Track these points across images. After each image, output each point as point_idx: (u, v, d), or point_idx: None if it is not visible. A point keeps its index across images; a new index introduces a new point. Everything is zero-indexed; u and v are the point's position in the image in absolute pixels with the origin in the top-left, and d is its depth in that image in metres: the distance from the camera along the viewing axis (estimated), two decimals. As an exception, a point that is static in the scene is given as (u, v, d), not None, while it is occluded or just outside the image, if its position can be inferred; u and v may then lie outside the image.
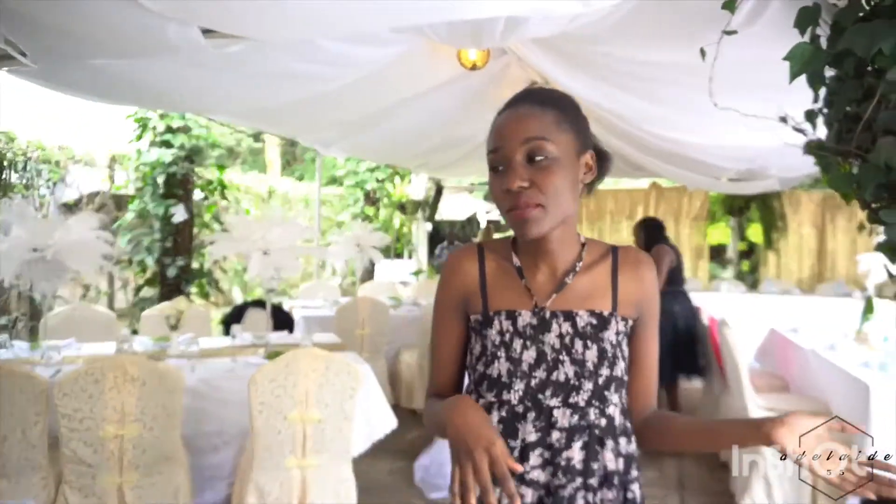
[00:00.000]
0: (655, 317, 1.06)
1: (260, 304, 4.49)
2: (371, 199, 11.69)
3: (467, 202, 17.96)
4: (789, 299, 7.06)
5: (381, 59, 3.64)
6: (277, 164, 15.73)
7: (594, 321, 1.00)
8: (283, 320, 4.39)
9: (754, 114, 2.16)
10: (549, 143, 0.95)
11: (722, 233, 9.86)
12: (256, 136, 16.39)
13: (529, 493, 0.96)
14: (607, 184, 12.39)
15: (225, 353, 3.14)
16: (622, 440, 1.00)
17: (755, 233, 9.39)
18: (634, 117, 4.67)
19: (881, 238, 1.67)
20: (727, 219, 9.25)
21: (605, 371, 0.98)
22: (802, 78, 1.69)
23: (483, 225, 15.63)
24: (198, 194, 6.09)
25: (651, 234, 4.50)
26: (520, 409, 0.98)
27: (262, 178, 9.48)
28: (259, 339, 3.45)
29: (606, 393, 0.98)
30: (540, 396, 0.97)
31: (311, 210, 8.30)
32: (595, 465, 0.96)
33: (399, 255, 12.12)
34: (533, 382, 0.98)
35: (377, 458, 3.38)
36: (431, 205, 10.42)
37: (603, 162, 1.05)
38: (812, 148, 1.84)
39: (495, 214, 18.32)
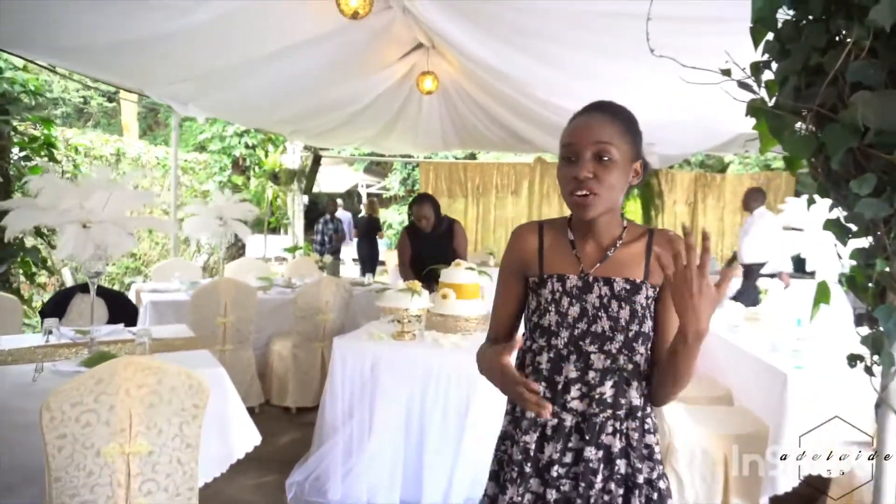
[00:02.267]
0: None
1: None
2: (240, 167, 10.67)
3: (347, 174, 17.17)
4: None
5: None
6: (135, 128, 13.92)
7: (628, 287, 1.23)
8: (122, 309, 3.60)
9: (693, 65, 1.81)
10: (613, 148, 1.20)
11: (602, 210, 9.97)
12: (111, 96, 14.37)
13: (569, 418, 1.21)
14: (491, 157, 12.25)
15: (29, 356, 2.40)
16: (645, 383, 1.25)
17: (633, 210, 9.57)
18: (525, 79, 4.33)
19: (833, 214, 1.37)
20: (609, 196, 9.33)
21: (634, 327, 1.21)
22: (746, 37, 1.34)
23: (365, 199, 14.98)
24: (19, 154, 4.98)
25: (439, 209, 4.22)
26: (564, 352, 1.22)
27: (110, 139, 8.16)
28: (83, 335, 2.72)
29: (635, 344, 1.21)
30: (581, 343, 1.22)
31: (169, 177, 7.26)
32: (623, 401, 1.21)
33: (275, 230, 11.20)
34: (576, 332, 1.22)
35: (239, 471, 2.77)
36: (308, 176, 9.62)
37: (644, 170, 1.28)
38: (757, 107, 1.49)
39: (376, 188, 17.70)
